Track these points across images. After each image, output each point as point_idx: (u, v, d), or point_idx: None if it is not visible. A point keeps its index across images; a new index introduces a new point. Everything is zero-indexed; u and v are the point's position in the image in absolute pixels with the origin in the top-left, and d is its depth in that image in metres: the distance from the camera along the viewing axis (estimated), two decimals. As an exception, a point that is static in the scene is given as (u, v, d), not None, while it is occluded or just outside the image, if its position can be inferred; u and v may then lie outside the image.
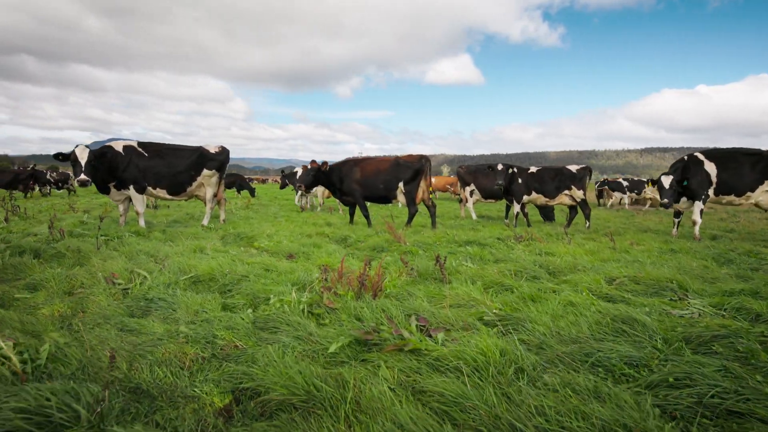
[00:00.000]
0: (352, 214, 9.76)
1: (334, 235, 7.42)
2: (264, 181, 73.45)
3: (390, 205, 13.47)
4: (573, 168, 10.22)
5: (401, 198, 8.80)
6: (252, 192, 23.30)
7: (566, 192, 10.07)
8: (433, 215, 9.14)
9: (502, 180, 9.83)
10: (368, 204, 9.63)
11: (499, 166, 9.99)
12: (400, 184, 8.68)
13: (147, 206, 15.12)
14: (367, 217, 9.22)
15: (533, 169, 10.39)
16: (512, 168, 10.23)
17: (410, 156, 8.91)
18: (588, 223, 10.17)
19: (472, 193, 12.38)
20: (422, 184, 8.80)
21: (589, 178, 10.25)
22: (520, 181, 10.14)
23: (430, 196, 9.07)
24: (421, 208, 9.83)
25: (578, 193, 10.03)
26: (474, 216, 12.59)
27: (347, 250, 5.96)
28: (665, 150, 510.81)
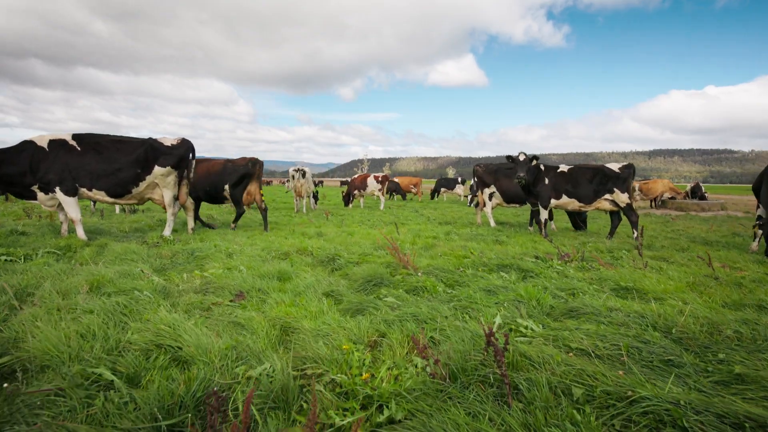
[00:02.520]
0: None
1: (321, 252, 5.59)
2: (268, 183, 74.92)
3: (392, 215, 11.69)
4: (614, 167, 8.45)
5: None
6: None
7: (607, 196, 8.30)
8: (264, 218, 9.04)
9: (524, 172, 8.14)
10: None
11: (521, 156, 8.30)
12: (227, 186, 8.59)
13: (123, 210, 13.40)
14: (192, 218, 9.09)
15: (564, 167, 8.64)
16: (537, 159, 8.48)
17: (242, 159, 8.83)
18: (636, 233, 8.26)
19: (491, 196, 10.50)
20: (251, 187, 8.77)
21: (633, 178, 8.48)
22: (546, 181, 8.43)
23: (263, 198, 9.15)
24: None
25: (623, 197, 8.23)
26: (492, 223, 10.72)
27: (331, 278, 4.12)
28: (673, 152, 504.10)
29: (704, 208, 20.08)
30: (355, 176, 17.63)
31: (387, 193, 25.36)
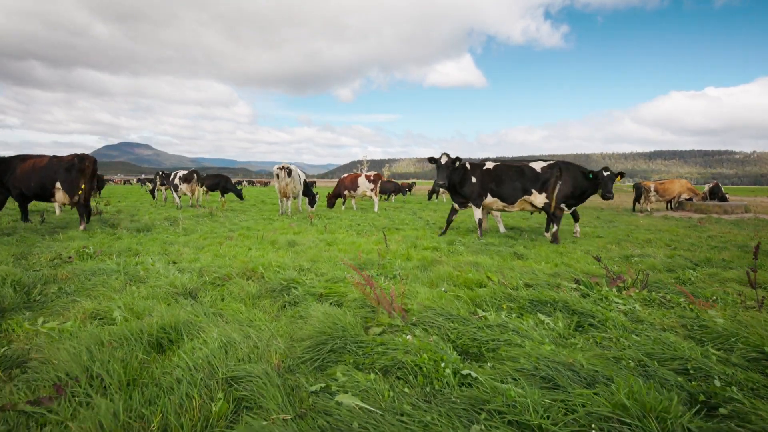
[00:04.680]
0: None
1: (277, 277, 3.95)
2: (266, 184, 74.52)
3: (387, 218, 10.12)
4: (537, 166, 7.87)
5: (59, 197, 8.40)
6: (239, 195, 20.87)
7: (527, 197, 7.79)
8: (88, 215, 8.65)
9: (443, 180, 7.55)
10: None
11: (443, 159, 7.65)
12: (57, 184, 8.20)
13: (93, 212, 11.70)
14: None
15: (490, 164, 8.09)
16: (459, 160, 7.87)
17: (70, 155, 8.50)
18: (555, 227, 7.52)
19: None
20: (81, 183, 8.45)
21: (560, 179, 7.78)
22: (474, 180, 7.86)
23: (91, 197, 8.88)
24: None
25: (538, 198, 7.70)
26: (502, 228, 9.13)
27: (270, 327, 2.50)
28: (674, 153, 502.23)
29: (727, 210, 18.45)
30: (345, 175, 15.99)
31: (385, 194, 23.78)
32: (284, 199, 13.30)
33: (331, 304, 3.08)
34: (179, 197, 16.11)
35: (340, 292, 3.29)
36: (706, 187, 22.25)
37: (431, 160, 7.91)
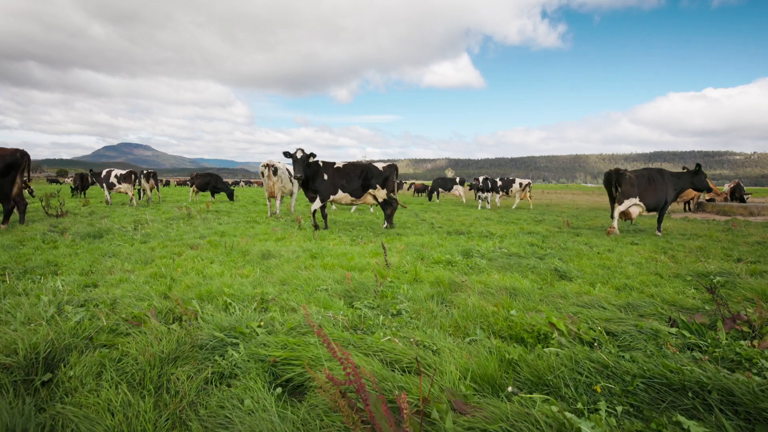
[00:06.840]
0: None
1: (215, 319, 2.57)
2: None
3: (404, 233, 8.87)
4: (379, 166, 8.92)
5: None
6: (230, 194, 19.67)
7: (371, 191, 8.77)
8: (22, 212, 8.26)
9: (300, 173, 8.13)
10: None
11: (299, 154, 8.18)
12: None
13: (57, 214, 10.31)
14: None
15: (339, 163, 8.87)
16: (314, 156, 8.47)
17: (2, 149, 8.01)
18: (386, 224, 8.80)
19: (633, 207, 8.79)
20: (17, 179, 8.12)
21: (396, 177, 9.01)
22: (326, 177, 8.56)
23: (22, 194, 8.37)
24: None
25: (381, 193, 8.80)
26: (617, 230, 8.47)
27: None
28: (674, 155, 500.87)
29: (753, 211, 17.06)
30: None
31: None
32: (272, 199, 11.92)
33: (285, 390, 1.69)
34: (120, 194, 16.24)
35: (306, 358, 1.89)
36: (726, 187, 20.88)
37: (286, 154, 8.21)
